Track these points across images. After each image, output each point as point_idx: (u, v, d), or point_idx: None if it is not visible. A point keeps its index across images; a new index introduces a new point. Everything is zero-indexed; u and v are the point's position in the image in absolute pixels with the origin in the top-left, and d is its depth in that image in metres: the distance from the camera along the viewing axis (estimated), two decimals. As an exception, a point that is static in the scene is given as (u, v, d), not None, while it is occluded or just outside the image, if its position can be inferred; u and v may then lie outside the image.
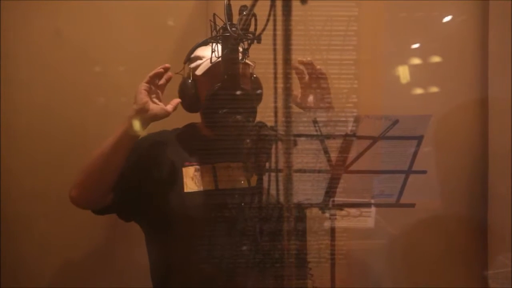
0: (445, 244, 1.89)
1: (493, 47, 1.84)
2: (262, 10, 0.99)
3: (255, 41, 1.15)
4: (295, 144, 1.13)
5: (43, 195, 1.74)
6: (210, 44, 1.37)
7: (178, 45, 1.77)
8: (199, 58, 1.42)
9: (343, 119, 1.27)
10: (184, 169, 1.39)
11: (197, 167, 1.40)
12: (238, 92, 1.31)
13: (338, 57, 1.50)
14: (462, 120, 1.89)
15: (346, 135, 1.24)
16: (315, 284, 1.31)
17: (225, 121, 1.31)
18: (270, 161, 1.11)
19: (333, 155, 1.26)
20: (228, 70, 1.28)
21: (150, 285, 1.47)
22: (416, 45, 1.90)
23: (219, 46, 1.32)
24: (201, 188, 1.38)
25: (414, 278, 1.87)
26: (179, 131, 1.50)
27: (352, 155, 1.26)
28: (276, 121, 0.92)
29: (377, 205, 1.40)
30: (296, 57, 1.39)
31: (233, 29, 1.22)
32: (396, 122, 1.23)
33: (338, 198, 1.30)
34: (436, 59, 1.88)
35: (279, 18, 0.79)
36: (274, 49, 0.86)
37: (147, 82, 1.34)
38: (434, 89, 1.88)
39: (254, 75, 1.44)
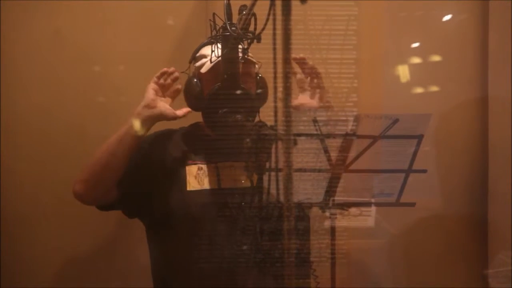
0: (446, 243, 1.88)
1: (493, 46, 1.84)
2: (261, 9, 0.99)
3: (255, 40, 1.15)
4: (295, 143, 1.13)
5: (43, 195, 1.74)
6: (214, 43, 1.37)
7: (178, 45, 1.77)
8: (204, 56, 1.42)
9: (343, 118, 1.27)
10: (187, 168, 1.40)
11: (201, 166, 1.41)
12: (238, 92, 1.31)
13: (338, 57, 1.50)
14: (462, 119, 1.89)
15: (346, 134, 1.24)
16: (319, 284, 1.31)
17: (224, 121, 1.31)
18: (270, 160, 1.11)
19: (333, 155, 1.26)
20: (228, 69, 1.28)
21: (150, 285, 1.47)
22: (416, 44, 1.90)
23: (222, 45, 1.32)
24: (204, 187, 1.38)
25: (414, 277, 1.87)
26: (185, 130, 1.51)
27: (352, 154, 1.26)
28: (276, 121, 0.92)
29: (377, 204, 1.39)
30: (296, 56, 1.39)
31: (232, 28, 1.22)
32: (396, 121, 1.23)
33: (338, 198, 1.30)
34: (436, 58, 1.88)
35: (279, 17, 0.78)
36: (274, 49, 0.86)
37: (155, 82, 1.40)
38: (434, 88, 1.88)
39: (260, 75, 1.44)
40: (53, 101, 1.75)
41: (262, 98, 1.43)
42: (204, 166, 1.40)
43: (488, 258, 1.86)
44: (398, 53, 1.88)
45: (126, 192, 1.39)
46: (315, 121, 1.22)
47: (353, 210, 1.39)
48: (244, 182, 1.36)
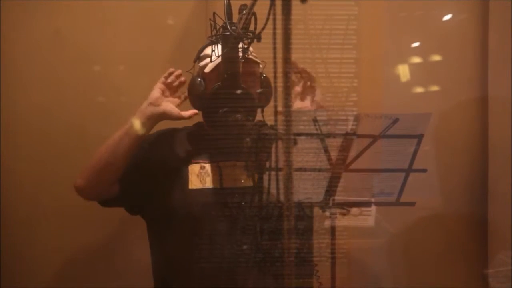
0: (446, 243, 1.89)
1: (493, 46, 1.84)
2: (261, 9, 0.99)
3: (255, 40, 1.15)
4: (295, 143, 1.13)
5: (43, 195, 1.74)
6: (218, 42, 1.37)
7: (178, 45, 1.78)
8: (208, 56, 1.42)
9: (343, 117, 1.27)
10: (190, 166, 1.41)
11: (203, 165, 1.41)
12: (238, 91, 1.31)
13: (338, 56, 1.50)
14: (462, 118, 1.90)
15: (346, 133, 1.24)
16: (321, 284, 1.31)
17: (224, 120, 1.31)
18: (270, 160, 1.11)
19: (333, 154, 1.26)
20: (228, 69, 1.28)
21: (150, 285, 1.47)
22: (416, 44, 1.90)
23: (222, 45, 1.32)
24: (206, 186, 1.39)
25: (414, 276, 1.87)
26: (188, 129, 1.51)
27: (352, 153, 1.26)
28: (276, 120, 0.92)
29: (377, 204, 1.39)
30: (296, 56, 1.39)
31: (233, 28, 1.22)
32: (396, 120, 1.23)
33: (339, 197, 1.30)
34: (436, 57, 1.88)
35: (279, 17, 0.78)
36: (274, 48, 0.86)
37: (163, 82, 1.42)
38: (434, 88, 1.88)
39: (264, 75, 1.44)
40: (53, 101, 1.75)
41: (266, 98, 1.42)
42: (206, 165, 1.41)
43: (488, 258, 1.86)
44: (398, 52, 1.88)
45: (126, 189, 1.39)
46: (315, 120, 1.22)
47: (353, 209, 1.39)
48: (245, 181, 1.36)
